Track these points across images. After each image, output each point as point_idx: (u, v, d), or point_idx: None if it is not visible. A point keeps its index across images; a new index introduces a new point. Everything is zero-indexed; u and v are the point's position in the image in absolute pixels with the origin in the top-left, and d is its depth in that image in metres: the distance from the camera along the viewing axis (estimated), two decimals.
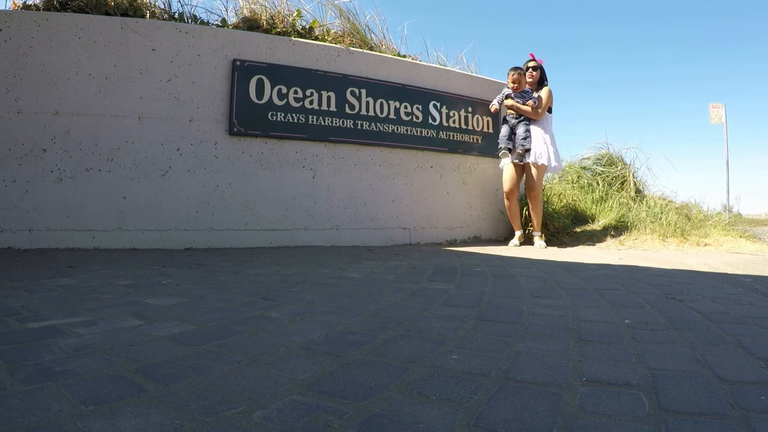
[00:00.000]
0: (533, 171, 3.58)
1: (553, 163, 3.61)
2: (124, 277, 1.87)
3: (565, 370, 0.88)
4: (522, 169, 3.67)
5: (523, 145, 3.59)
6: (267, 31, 3.44)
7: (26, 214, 2.63)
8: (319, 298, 1.53)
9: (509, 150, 3.65)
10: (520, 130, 3.62)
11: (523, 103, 3.62)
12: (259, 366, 0.89)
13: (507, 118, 3.73)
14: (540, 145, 3.56)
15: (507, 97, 3.70)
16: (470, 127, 3.94)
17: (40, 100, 2.69)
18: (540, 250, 3.33)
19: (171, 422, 0.65)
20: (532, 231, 3.67)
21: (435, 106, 3.76)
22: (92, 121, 2.78)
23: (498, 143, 3.79)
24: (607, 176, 5.01)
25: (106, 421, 0.65)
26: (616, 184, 4.94)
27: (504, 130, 3.73)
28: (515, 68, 3.68)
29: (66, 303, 1.39)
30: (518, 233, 3.71)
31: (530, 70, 3.67)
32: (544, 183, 4.90)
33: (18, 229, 2.61)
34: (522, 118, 3.64)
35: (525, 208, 3.87)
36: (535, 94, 3.64)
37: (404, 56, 3.98)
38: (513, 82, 3.66)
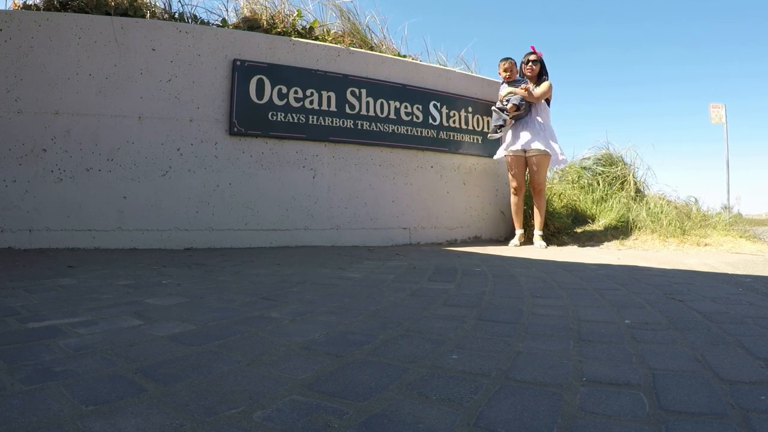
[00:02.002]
0: (536, 162, 3.54)
1: (560, 156, 3.57)
2: (124, 277, 1.87)
3: (565, 370, 0.88)
4: (525, 162, 3.64)
5: (512, 102, 3.50)
6: (267, 31, 3.44)
7: (26, 214, 2.63)
8: (320, 298, 1.53)
9: (500, 127, 3.63)
10: (517, 97, 3.55)
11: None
12: (259, 366, 0.89)
13: (503, 102, 3.68)
14: (541, 137, 3.54)
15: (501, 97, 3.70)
16: (470, 127, 3.94)
17: (41, 100, 2.69)
18: (540, 250, 3.33)
19: (171, 422, 0.65)
20: (534, 230, 3.65)
21: (435, 106, 3.76)
22: (92, 121, 2.78)
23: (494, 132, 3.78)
24: (608, 176, 5.01)
25: (106, 421, 0.65)
26: (617, 184, 4.94)
27: (497, 113, 3.69)
28: (505, 59, 3.71)
29: (66, 303, 1.39)
30: (519, 232, 3.70)
31: (530, 63, 3.64)
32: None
33: (18, 229, 2.61)
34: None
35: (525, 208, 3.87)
36: (532, 88, 3.61)
37: (404, 56, 3.98)
38: (505, 71, 3.68)
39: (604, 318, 1.29)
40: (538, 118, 3.59)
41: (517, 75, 3.70)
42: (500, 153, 3.76)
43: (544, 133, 3.55)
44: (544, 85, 3.59)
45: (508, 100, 3.60)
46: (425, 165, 3.73)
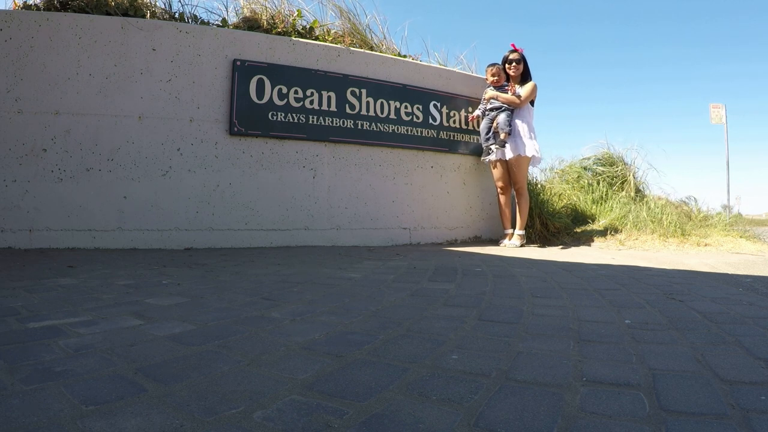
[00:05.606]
0: (516, 164, 3.59)
1: (536, 155, 3.61)
2: (124, 276, 1.87)
3: (565, 370, 0.88)
4: (508, 163, 3.67)
5: (504, 129, 3.58)
6: (267, 31, 3.44)
7: (26, 214, 2.63)
8: (320, 298, 1.53)
9: (491, 148, 3.68)
10: (502, 116, 3.61)
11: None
12: (259, 366, 0.89)
13: (486, 111, 3.72)
14: (521, 138, 3.58)
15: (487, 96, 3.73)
16: (471, 127, 3.94)
17: (41, 100, 2.70)
18: (540, 250, 3.33)
19: (171, 422, 0.65)
20: (515, 228, 3.65)
21: (435, 106, 3.76)
22: (93, 121, 2.78)
23: (481, 144, 3.83)
24: (608, 176, 5.02)
25: (107, 421, 0.65)
26: (617, 184, 4.94)
27: (484, 125, 3.73)
28: (492, 64, 3.74)
29: (66, 303, 1.39)
30: (508, 232, 3.72)
31: (513, 63, 3.65)
32: (543, 181, 4.89)
33: (18, 229, 2.61)
34: (503, 107, 3.64)
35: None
36: (518, 90, 3.63)
37: (405, 56, 3.98)
38: (492, 76, 3.71)
39: (604, 318, 1.29)
40: (518, 122, 3.62)
41: (504, 81, 3.73)
42: (495, 156, 3.74)
43: (521, 137, 3.59)
44: (528, 88, 3.60)
45: (492, 109, 3.66)
46: (425, 165, 3.73)
